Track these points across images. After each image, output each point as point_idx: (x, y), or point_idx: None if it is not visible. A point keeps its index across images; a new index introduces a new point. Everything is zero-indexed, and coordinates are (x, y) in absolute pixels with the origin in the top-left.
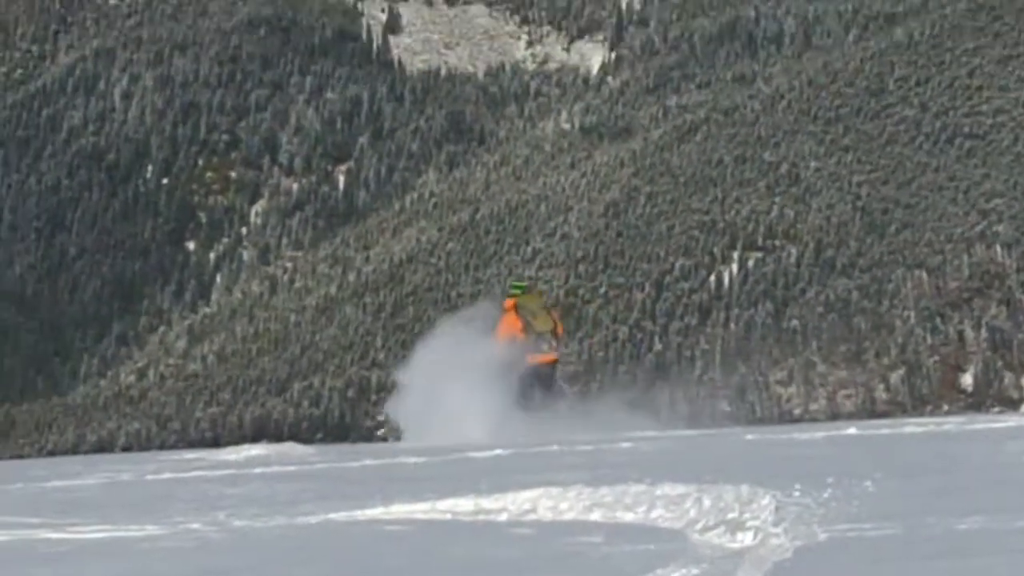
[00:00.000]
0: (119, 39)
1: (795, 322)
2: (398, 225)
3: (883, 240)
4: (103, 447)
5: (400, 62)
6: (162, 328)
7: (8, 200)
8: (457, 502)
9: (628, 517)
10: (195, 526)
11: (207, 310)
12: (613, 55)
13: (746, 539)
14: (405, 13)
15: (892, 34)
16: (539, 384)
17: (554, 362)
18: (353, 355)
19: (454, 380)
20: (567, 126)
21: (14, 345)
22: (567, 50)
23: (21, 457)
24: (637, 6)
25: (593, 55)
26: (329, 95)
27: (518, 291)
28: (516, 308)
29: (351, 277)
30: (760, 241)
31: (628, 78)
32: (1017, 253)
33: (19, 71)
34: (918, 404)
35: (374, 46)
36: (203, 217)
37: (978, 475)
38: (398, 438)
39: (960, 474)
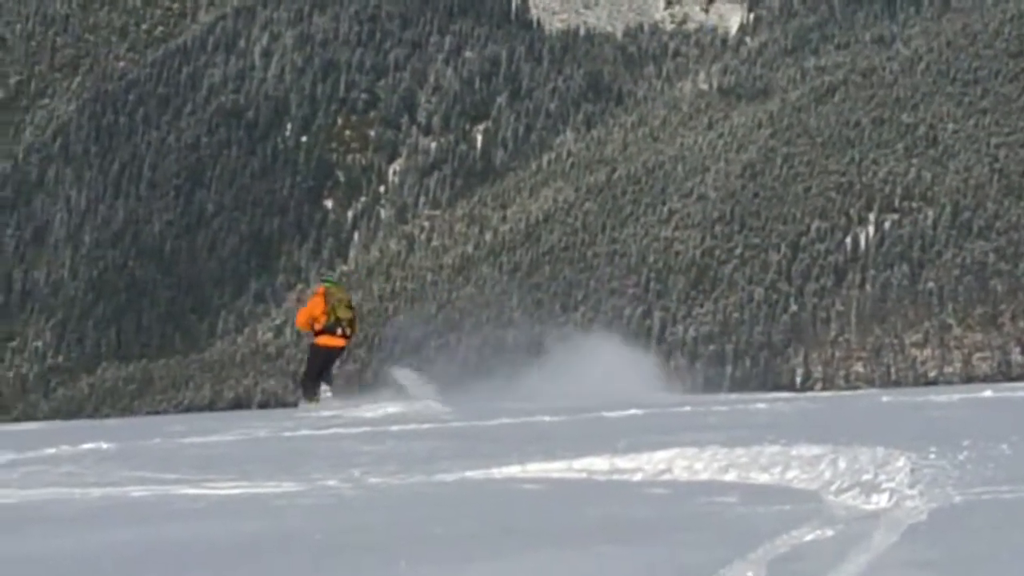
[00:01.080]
0: None
1: (931, 284)
2: (535, 184)
3: (1020, 202)
4: (239, 404)
5: (539, 22)
6: (299, 285)
7: (148, 157)
8: (593, 461)
9: (763, 478)
10: (331, 483)
11: (344, 267)
12: (752, 16)
13: (881, 501)
14: None
15: None
16: (324, 363)
17: (342, 348)
18: (489, 313)
19: None
20: (705, 86)
21: (152, 301)
22: (706, 10)
23: (158, 413)
24: None
25: (732, 16)
26: (468, 54)
27: (328, 283)
28: (324, 294)
29: (488, 236)
30: (897, 203)
31: (766, 39)
32: None
33: (160, 29)
34: None
35: (513, 5)
36: (341, 175)
37: None
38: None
39: None
